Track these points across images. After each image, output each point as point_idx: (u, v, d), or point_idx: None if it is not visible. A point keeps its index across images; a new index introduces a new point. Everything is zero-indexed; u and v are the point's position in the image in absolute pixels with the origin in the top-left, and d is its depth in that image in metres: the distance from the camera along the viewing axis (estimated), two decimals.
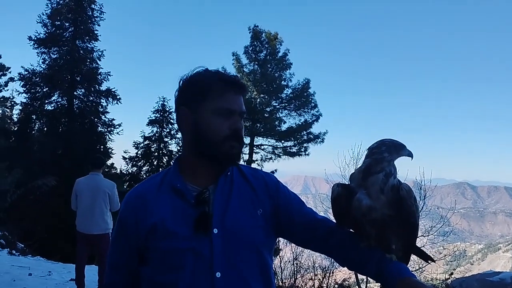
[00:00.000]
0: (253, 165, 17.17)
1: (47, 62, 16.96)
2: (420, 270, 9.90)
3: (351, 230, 1.42)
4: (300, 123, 20.60)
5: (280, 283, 12.12)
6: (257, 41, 20.09)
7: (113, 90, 17.72)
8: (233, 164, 1.40)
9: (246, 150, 20.19)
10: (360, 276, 12.56)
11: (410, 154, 1.34)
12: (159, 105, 19.93)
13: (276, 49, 20.24)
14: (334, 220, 1.44)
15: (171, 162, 19.61)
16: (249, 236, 1.33)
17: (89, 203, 5.25)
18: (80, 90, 17.47)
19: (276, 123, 20.41)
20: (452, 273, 13.48)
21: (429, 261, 1.48)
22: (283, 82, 20.42)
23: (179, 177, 1.38)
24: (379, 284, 1.32)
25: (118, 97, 17.76)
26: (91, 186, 5.31)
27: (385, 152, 1.30)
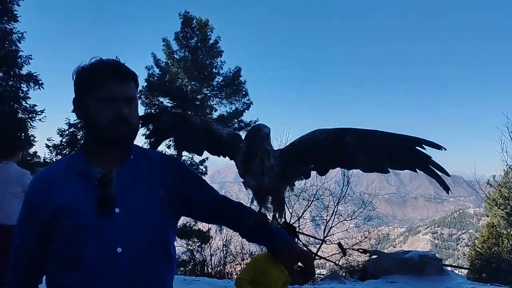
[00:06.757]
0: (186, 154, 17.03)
1: None
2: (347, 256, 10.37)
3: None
4: (231, 111, 20.66)
5: (209, 270, 12.27)
6: (187, 27, 19.78)
7: (34, 74, 16.72)
8: (122, 147, 1.49)
9: None
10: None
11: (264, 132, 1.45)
12: None
13: (207, 36, 20.09)
14: None
15: None
16: (149, 216, 1.46)
17: None
18: None
19: (208, 110, 20.35)
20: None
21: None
22: (214, 69, 20.31)
23: (84, 161, 1.48)
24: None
25: (40, 82, 16.65)
26: None
27: (256, 137, 1.43)
